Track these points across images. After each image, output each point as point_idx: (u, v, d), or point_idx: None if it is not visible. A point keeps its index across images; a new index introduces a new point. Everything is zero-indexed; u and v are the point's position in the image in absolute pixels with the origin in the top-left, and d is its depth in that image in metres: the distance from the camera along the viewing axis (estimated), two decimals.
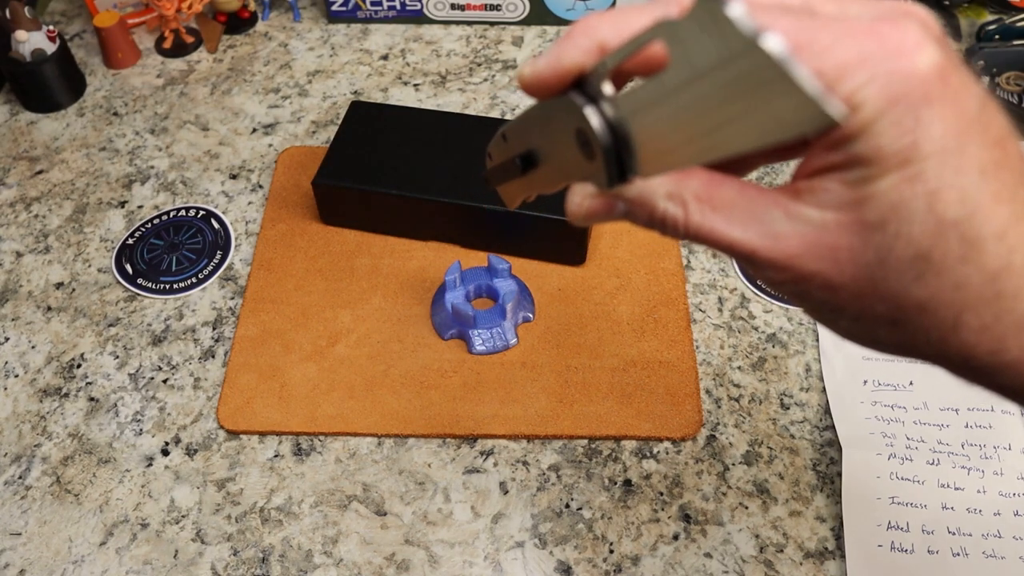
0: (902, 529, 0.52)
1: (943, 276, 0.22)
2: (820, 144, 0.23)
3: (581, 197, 0.28)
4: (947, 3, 0.85)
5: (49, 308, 0.65)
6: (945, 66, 0.22)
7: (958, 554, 0.51)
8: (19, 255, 0.69)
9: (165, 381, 0.60)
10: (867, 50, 0.21)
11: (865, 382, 0.59)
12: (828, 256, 0.24)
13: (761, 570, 0.51)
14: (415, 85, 0.81)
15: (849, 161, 0.22)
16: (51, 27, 0.78)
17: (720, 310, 0.63)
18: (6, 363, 0.62)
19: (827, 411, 0.58)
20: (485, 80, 0.81)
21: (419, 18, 0.87)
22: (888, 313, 0.24)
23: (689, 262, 0.66)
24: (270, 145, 0.76)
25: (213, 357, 0.61)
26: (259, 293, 0.64)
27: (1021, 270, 0.22)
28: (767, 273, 0.25)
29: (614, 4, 0.83)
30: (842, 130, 0.22)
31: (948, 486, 0.53)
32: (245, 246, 0.68)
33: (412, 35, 0.86)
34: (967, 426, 0.56)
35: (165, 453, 0.57)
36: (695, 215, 0.25)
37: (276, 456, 0.56)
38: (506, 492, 0.54)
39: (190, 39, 0.85)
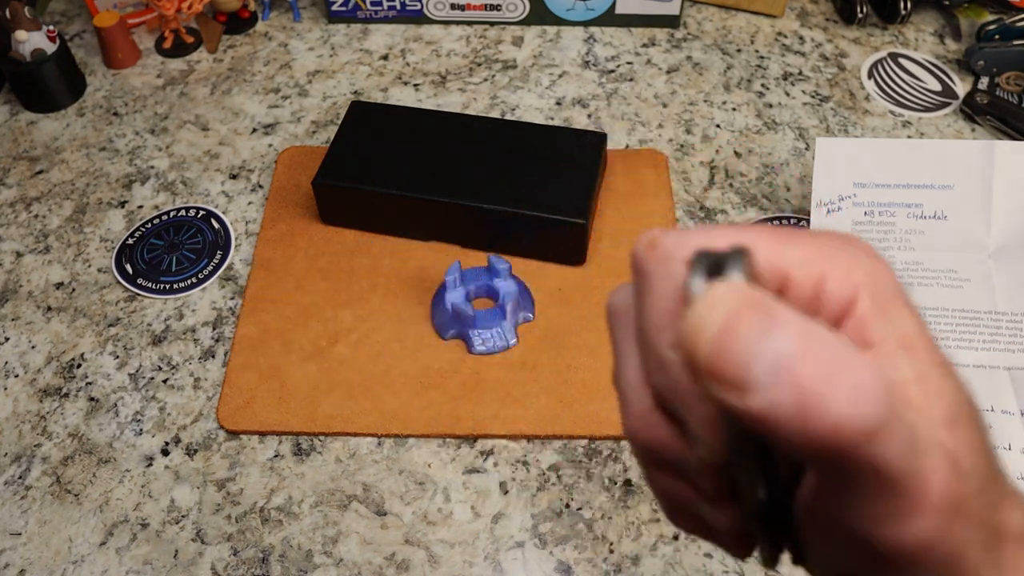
0: None
1: None
2: None
3: None
4: (947, 3, 0.85)
5: (49, 308, 0.65)
6: None
7: None
8: (19, 255, 0.69)
9: (165, 381, 0.60)
10: None
11: None
12: None
13: (761, 570, 0.51)
14: (415, 85, 0.81)
15: None
16: (51, 27, 0.78)
17: None
18: (6, 363, 0.62)
19: None
20: (485, 80, 0.81)
21: (419, 18, 0.87)
22: None
23: None
24: (270, 145, 0.76)
25: (213, 357, 0.61)
26: (259, 293, 0.64)
27: None
28: None
29: (613, 5, 0.83)
30: None
31: None
32: (245, 246, 0.68)
33: (412, 35, 0.86)
34: None
35: (165, 453, 0.57)
36: None
37: (276, 456, 0.56)
38: (506, 492, 0.54)
39: (190, 39, 0.85)
